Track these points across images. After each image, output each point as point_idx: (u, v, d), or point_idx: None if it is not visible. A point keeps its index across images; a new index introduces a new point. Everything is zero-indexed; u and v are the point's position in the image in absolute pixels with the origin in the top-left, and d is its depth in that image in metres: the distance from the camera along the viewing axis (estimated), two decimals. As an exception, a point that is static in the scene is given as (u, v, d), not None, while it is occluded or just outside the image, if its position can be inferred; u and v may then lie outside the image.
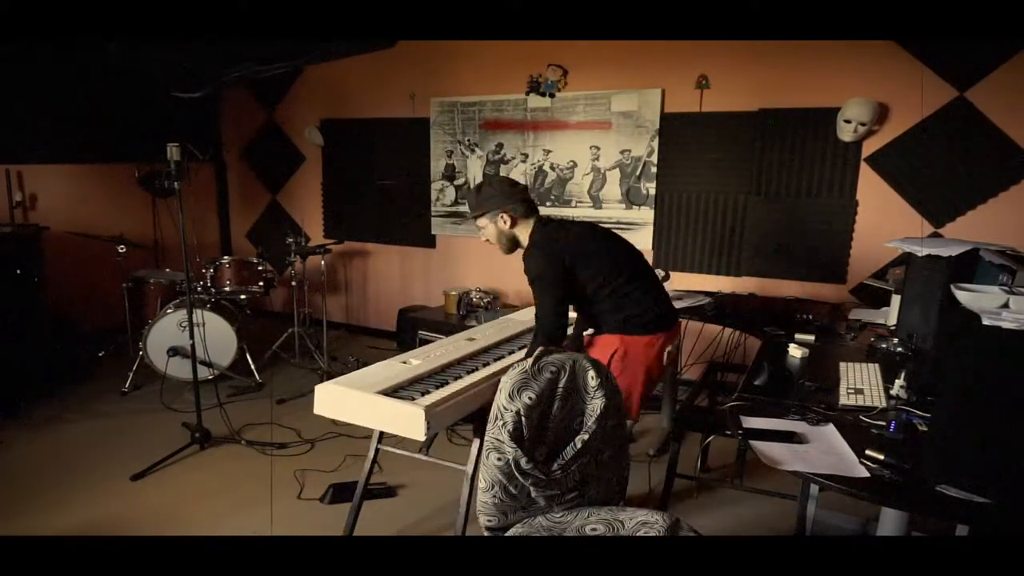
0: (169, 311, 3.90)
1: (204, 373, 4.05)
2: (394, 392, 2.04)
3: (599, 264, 2.36)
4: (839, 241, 3.75)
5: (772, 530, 2.62)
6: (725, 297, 3.52)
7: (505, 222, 2.40)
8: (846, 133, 3.54)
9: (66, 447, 3.26)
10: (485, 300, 4.52)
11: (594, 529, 1.64)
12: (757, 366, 2.25)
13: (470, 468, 2.20)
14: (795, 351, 2.42)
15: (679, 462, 2.69)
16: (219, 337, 4.01)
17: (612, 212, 4.33)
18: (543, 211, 4.52)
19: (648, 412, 3.85)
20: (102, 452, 3.21)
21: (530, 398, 1.67)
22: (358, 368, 2.25)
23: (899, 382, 1.90)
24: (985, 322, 1.38)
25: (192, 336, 3.22)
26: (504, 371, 2.31)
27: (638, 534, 1.57)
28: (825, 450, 1.57)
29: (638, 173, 4.20)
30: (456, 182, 4.85)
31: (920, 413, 1.75)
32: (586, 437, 1.71)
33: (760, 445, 1.60)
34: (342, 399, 2.03)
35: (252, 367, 4.14)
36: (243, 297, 4.29)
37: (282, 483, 2.94)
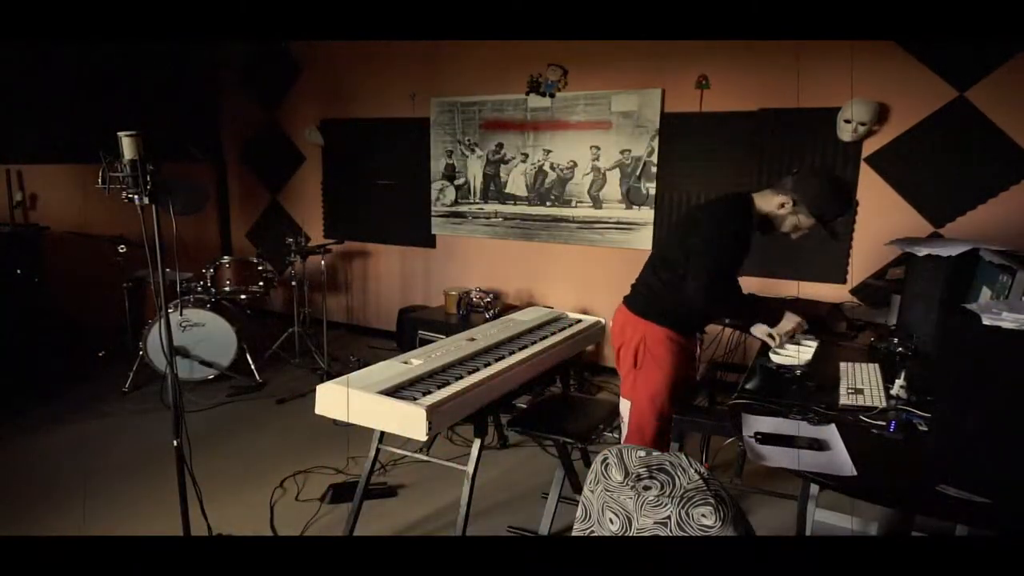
0: (169, 311, 3.90)
1: (205, 373, 4.06)
2: (395, 392, 2.04)
3: None
4: (839, 241, 3.75)
5: (772, 530, 2.62)
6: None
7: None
8: (846, 133, 3.54)
9: (66, 447, 3.27)
10: (485, 300, 4.52)
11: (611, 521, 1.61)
12: (757, 366, 2.25)
13: (470, 468, 2.20)
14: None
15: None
16: (219, 337, 4.02)
17: (612, 212, 4.33)
18: (543, 211, 4.56)
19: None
20: (103, 452, 3.21)
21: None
22: (359, 368, 2.25)
23: (899, 382, 1.90)
24: (985, 322, 1.38)
25: (170, 338, 3.19)
26: (505, 371, 2.32)
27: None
28: (830, 452, 1.57)
29: (638, 173, 4.20)
30: (456, 182, 4.84)
31: (920, 413, 1.75)
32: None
33: (767, 450, 1.60)
34: (343, 399, 2.03)
35: (252, 367, 4.15)
36: (243, 297, 4.29)
37: (282, 483, 2.95)
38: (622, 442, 2.44)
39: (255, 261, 4.34)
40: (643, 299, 2.42)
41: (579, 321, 3.06)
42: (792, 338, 2.36)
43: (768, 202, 2.28)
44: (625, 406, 2.45)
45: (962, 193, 3.46)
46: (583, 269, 4.53)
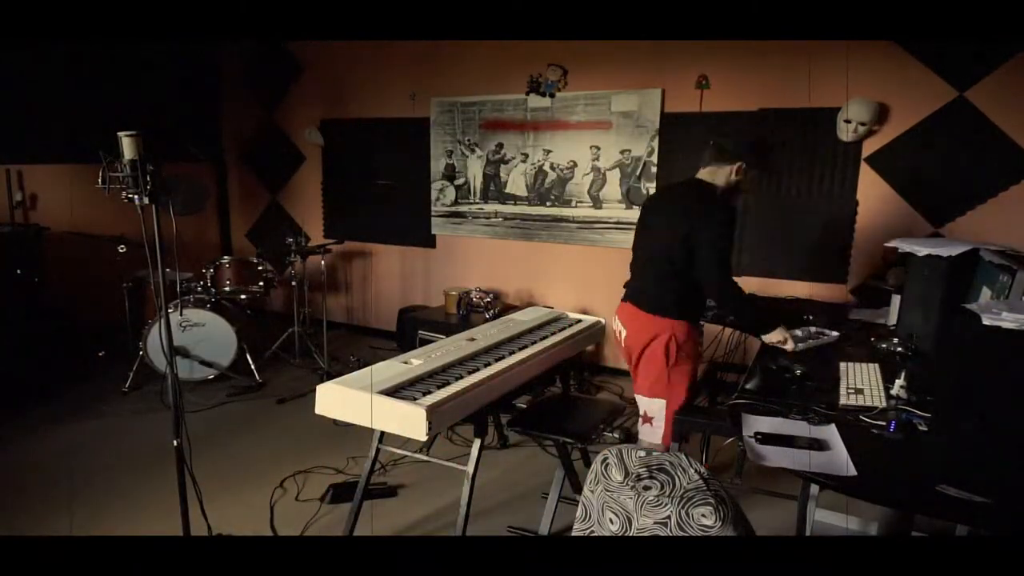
0: (169, 311, 3.90)
1: (205, 373, 4.06)
2: (395, 392, 2.04)
3: None
4: (839, 241, 3.75)
5: (772, 530, 2.62)
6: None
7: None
8: (846, 133, 3.54)
9: (66, 447, 3.27)
10: (485, 300, 4.52)
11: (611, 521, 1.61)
12: (757, 366, 2.25)
13: (470, 468, 2.20)
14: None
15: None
16: (219, 337, 4.02)
17: (612, 212, 4.33)
18: (543, 211, 4.56)
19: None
20: (102, 452, 3.21)
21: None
22: (359, 368, 2.25)
23: (899, 382, 1.90)
24: (985, 322, 1.38)
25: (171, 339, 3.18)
26: (505, 371, 2.32)
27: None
28: (830, 452, 1.57)
29: (638, 173, 4.20)
30: (456, 182, 4.84)
31: (920, 413, 1.75)
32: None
33: (767, 450, 1.60)
34: (343, 399, 2.03)
35: (252, 367, 4.15)
36: (243, 297, 4.29)
37: (282, 483, 2.95)
38: (661, 443, 2.46)
39: (255, 261, 4.34)
40: (658, 297, 2.45)
41: (579, 321, 3.06)
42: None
43: (720, 176, 2.40)
44: (659, 405, 2.46)
45: (962, 193, 3.46)
46: (583, 269, 4.53)
